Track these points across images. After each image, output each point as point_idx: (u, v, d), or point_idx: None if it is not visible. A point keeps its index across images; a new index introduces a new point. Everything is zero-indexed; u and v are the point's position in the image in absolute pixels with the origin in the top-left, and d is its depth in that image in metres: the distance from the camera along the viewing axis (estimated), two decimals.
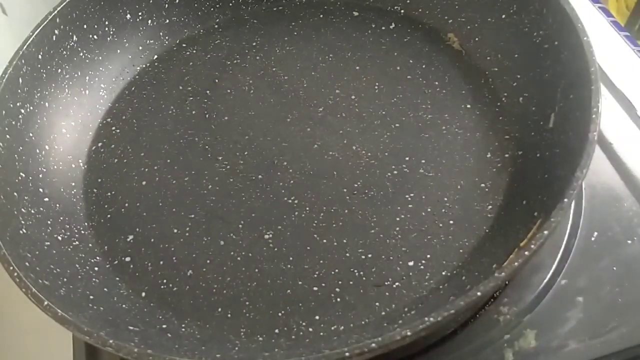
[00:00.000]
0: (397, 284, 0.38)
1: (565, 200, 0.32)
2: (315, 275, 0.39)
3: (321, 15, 0.52)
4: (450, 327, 0.37)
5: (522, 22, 0.43)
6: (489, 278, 0.31)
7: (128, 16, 0.49)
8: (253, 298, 0.39)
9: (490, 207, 0.40)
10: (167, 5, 0.51)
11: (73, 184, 0.44)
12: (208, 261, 0.41)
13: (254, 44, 0.51)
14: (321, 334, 0.36)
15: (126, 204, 0.44)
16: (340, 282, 0.39)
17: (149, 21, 0.52)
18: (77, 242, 0.41)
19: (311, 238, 0.41)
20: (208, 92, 0.50)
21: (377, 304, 0.37)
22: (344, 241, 0.40)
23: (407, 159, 0.44)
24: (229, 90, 0.50)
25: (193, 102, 0.49)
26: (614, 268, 0.38)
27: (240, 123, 0.48)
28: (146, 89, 0.50)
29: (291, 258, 0.40)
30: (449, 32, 0.49)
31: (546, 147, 0.39)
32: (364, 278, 0.39)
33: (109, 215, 0.44)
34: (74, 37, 0.47)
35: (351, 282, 0.38)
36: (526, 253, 0.31)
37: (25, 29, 0.45)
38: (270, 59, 0.51)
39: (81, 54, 0.48)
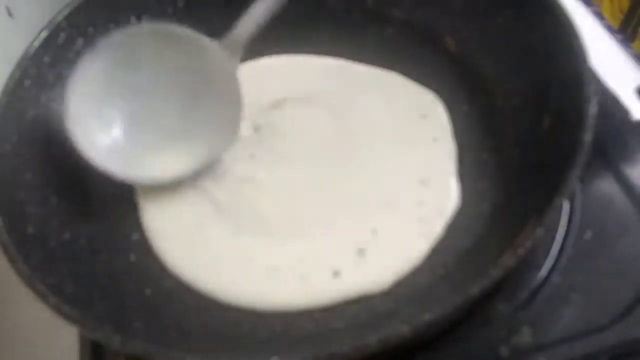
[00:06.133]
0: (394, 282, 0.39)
1: (559, 199, 0.33)
2: None
3: (321, 19, 0.52)
4: (446, 325, 0.37)
5: (517, 26, 0.44)
6: (485, 276, 0.32)
7: (133, 19, 0.49)
8: None
9: (485, 206, 0.41)
10: (171, 10, 0.51)
11: (79, 183, 0.45)
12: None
13: (255, 48, 0.51)
14: (321, 330, 0.37)
15: (131, 204, 0.45)
16: None
17: None
18: (82, 241, 0.42)
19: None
20: None
21: (376, 301, 0.38)
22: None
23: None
24: None
25: None
26: (608, 266, 0.39)
27: None
28: None
29: None
30: (446, 36, 0.49)
31: (541, 148, 0.39)
32: None
33: (114, 215, 0.44)
34: (80, 40, 0.46)
35: None
36: (520, 251, 0.32)
37: (32, 31, 0.45)
38: None
39: None
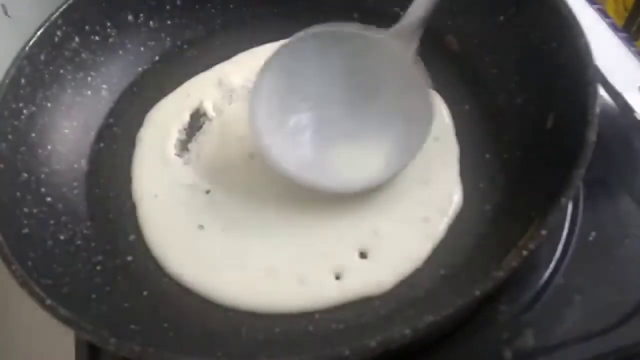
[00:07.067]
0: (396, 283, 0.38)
1: (563, 200, 0.32)
2: None
3: (321, 17, 0.52)
4: (448, 326, 0.37)
5: (520, 24, 0.43)
6: (487, 277, 0.31)
7: (130, 17, 0.49)
8: None
9: (488, 207, 0.40)
10: (168, 7, 0.51)
11: (75, 183, 0.44)
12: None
13: (255, 45, 0.51)
14: (321, 333, 0.37)
15: (128, 204, 0.45)
16: None
17: (151, 22, 0.52)
18: (79, 242, 0.41)
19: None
20: None
21: (376, 303, 0.38)
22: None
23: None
24: None
25: None
26: (611, 267, 0.39)
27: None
28: (148, 90, 0.51)
29: None
30: (448, 34, 0.49)
31: (544, 148, 0.39)
32: None
33: (111, 215, 0.44)
34: (76, 38, 0.47)
35: None
36: (524, 252, 0.31)
37: (28, 30, 0.45)
38: None
39: (83, 55, 0.48)
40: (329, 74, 0.43)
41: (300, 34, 0.42)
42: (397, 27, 0.41)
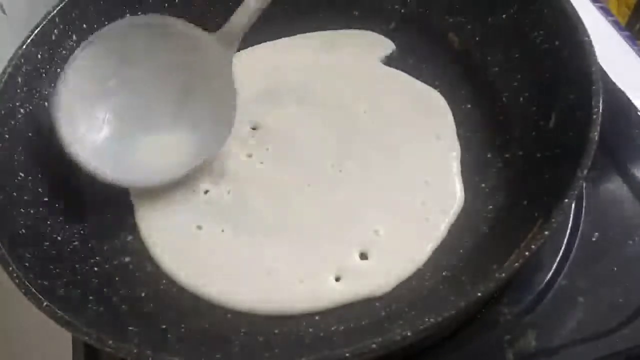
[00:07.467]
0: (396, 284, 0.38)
1: (566, 200, 0.32)
2: None
3: (321, 15, 0.52)
4: (450, 328, 0.37)
5: (522, 22, 0.43)
6: (489, 278, 0.31)
7: (128, 15, 0.49)
8: None
9: (490, 207, 0.40)
10: (166, 5, 0.51)
11: (72, 184, 0.44)
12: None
13: (255, 43, 0.51)
14: (321, 334, 0.36)
15: (125, 204, 0.44)
16: None
17: None
18: (76, 242, 0.41)
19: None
20: None
21: (377, 304, 0.37)
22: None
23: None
24: None
25: None
26: (615, 268, 0.38)
27: None
28: None
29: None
30: (450, 32, 0.49)
31: (547, 147, 0.38)
32: None
33: (108, 215, 0.44)
34: (74, 36, 0.46)
35: None
36: (527, 253, 0.31)
37: (25, 28, 0.44)
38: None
39: None
40: (149, 64, 0.43)
41: (128, 20, 0.45)
42: (222, 30, 0.43)
